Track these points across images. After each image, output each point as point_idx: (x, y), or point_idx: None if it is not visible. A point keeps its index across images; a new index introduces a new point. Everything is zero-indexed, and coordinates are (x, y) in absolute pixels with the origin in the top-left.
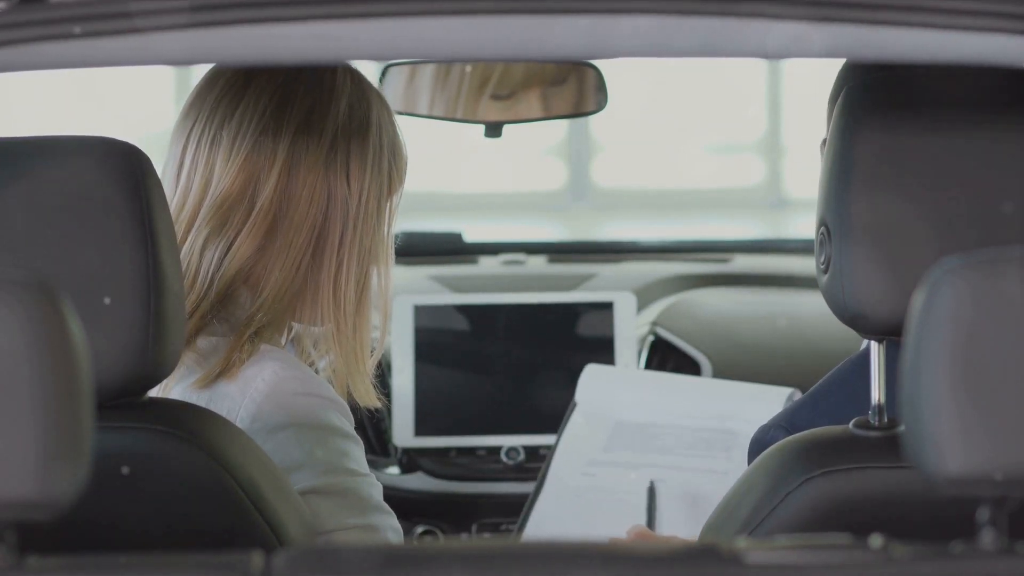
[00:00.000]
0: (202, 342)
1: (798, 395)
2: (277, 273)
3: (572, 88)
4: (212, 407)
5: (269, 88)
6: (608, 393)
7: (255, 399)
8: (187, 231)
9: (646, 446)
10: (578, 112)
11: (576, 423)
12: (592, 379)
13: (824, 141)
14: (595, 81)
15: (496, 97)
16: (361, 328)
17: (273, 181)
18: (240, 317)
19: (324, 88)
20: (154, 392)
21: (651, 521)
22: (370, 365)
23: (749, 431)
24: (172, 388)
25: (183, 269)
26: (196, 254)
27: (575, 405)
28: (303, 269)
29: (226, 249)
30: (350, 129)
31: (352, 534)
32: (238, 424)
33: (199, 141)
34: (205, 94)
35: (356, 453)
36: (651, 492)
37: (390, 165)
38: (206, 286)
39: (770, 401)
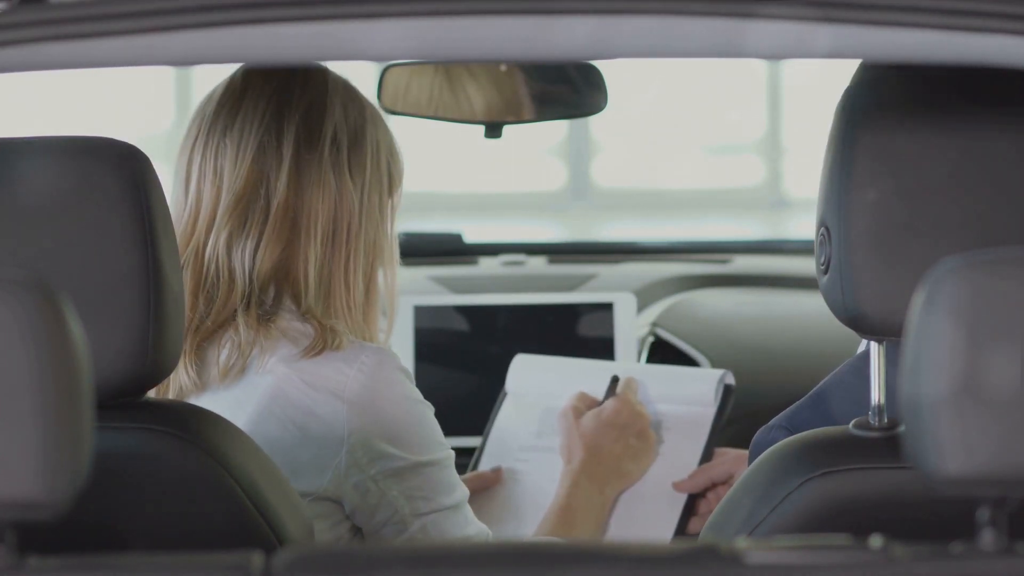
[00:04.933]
0: (284, 324)
1: (730, 377)
2: (311, 267)
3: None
4: (316, 375)
5: (265, 93)
6: (537, 381)
7: (363, 370)
8: (207, 233)
9: None
10: (578, 113)
11: (507, 411)
12: (521, 368)
13: None
14: (595, 81)
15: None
16: (369, 318)
17: (285, 179)
18: (294, 309)
19: (318, 90)
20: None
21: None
22: None
23: (677, 413)
24: (266, 360)
25: (212, 270)
26: (223, 254)
27: (505, 394)
28: (327, 263)
29: (254, 248)
30: (347, 128)
31: (447, 517)
32: (348, 394)
33: (203, 152)
34: (203, 109)
35: (435, 421)
36: None
37: (388, 164)
38: (247, 283)
39: (700, 384)
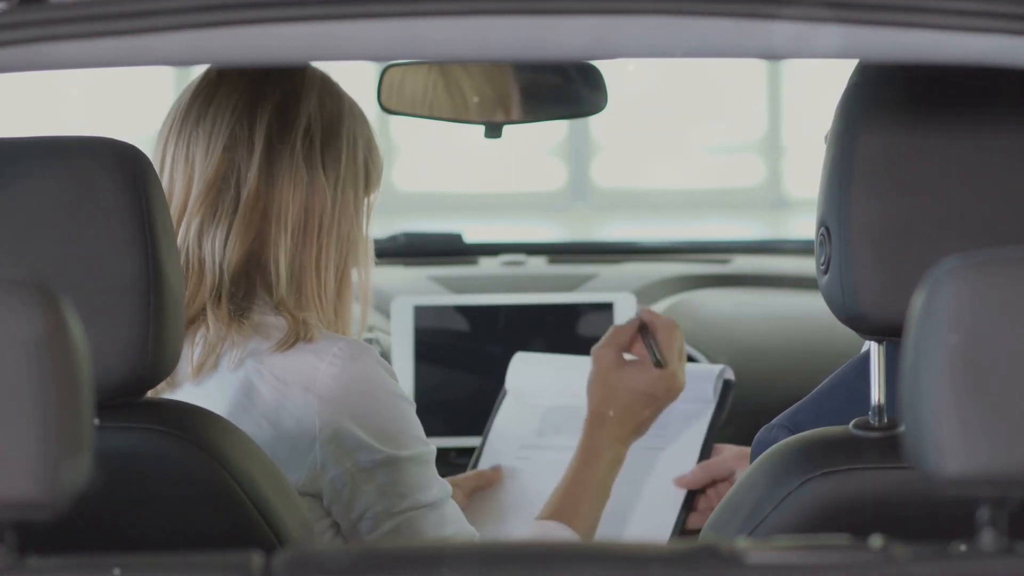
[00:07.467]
0: (257, 318)
1: (729, 372)
2: (282, 258)
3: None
4: (287, 369)
5: (240, 84)
6: (538, 379)
7: (334, 363)
8: (178, 223)
9: (578, 428)
10: (578, 113)
11: (507, 410)
12: (521, 367)
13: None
14: (595, 81)
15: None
16: (342, 314)
17: (255, 169)
18: (267, 300)
19: (293, 82)
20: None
21: None
22: None
23: (676, 408)
24: (237, 356)
25: (183, 260)
26: (193, 244)
27: (505, 393)
28: (299, 255)
29: (224, 238)
30: (322, 120)
31: (424, 515)
32: (318, 387)
33: (176, 141)
34: (180, 100)
35: (415, 417)
36: None
37: (366, 160)
38: (218, 274)
39: (700, 379)
